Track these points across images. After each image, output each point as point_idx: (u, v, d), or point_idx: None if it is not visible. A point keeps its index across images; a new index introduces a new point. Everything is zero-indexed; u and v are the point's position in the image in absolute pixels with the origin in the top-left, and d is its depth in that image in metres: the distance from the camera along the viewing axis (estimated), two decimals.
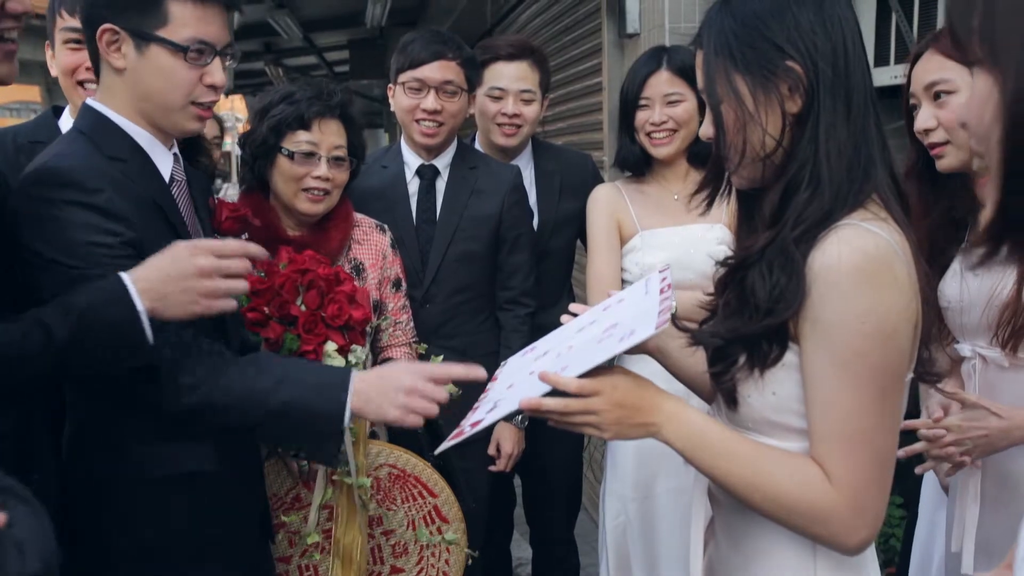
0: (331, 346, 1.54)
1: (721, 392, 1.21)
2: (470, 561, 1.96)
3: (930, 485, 1.96)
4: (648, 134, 2.19)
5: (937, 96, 1.66)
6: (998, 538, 1.65)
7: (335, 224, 2.04)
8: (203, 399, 1.40)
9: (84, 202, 1.40)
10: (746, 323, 1.15)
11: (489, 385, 1.38)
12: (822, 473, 1.10)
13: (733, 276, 1.21)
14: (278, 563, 1.86)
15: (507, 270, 2.41)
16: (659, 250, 2.19)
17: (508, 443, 2.39)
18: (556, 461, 2.64)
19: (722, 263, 1.25)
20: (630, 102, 2.20)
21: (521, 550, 3.30)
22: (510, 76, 2.50)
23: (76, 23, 1.62)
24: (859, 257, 1.07)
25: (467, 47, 2.40)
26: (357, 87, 11.79)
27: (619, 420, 1.14)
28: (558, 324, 2.54)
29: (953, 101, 1.63)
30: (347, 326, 1.56)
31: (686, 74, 2.18)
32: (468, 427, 1.20)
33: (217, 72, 1.54)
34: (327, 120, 1.97)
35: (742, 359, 1.17)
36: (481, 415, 1.21)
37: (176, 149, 1.64)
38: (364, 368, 1.63)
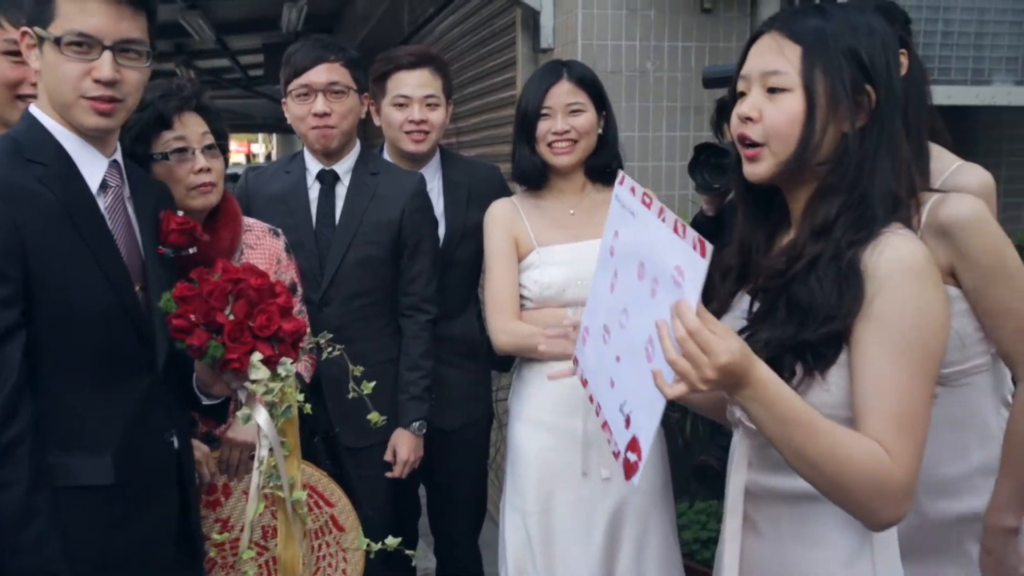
0: (256, 356, 1.51)
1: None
2: (371, 555, 1.92)
3: None
4: (549, 144, 2.21)
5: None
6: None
7: (224, 223, 2.01)
8: None
9: None
10: (803, 331, 1.20)
11: (589, 391, 1.36)
12: (883, 449, 1.15)
13: (775, 286, 1.25)
14: None
15: (408, 276, 2.40)
16: (556, 266, 2.21)
17: (404, 449, 2.38)
18: (460, 470, 2.64)
19: (769, 275, 1.27)
20: (531, 112, 2.21)
21: (428, 560, 3.28)
22: (413, 84, 2.51)
23: (16, 35, 1.61)
24: (916, 258, 1.18)
25: (351, 49, 2.42)
26: (272, 92, 11.59)
27: (727, 375, 1.10)
28: (463, 335, 2.59)
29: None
30: (277, 338, 1.53)
31: (586, 85, 2.22)
32: (626, 451, 1.17)
33: (104, 67, 1.52)
34: (186, 113, 1.94)
35: (798, 368, 1.21)
36: (635, 430, 1.16)
37: (118, 155, 1.63)
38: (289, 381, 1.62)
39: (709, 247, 1.04)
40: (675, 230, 1.11)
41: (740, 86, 1.30)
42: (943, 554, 1.71)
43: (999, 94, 3.26)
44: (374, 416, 1.79)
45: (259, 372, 1.51)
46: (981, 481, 1.70)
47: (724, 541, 1.33)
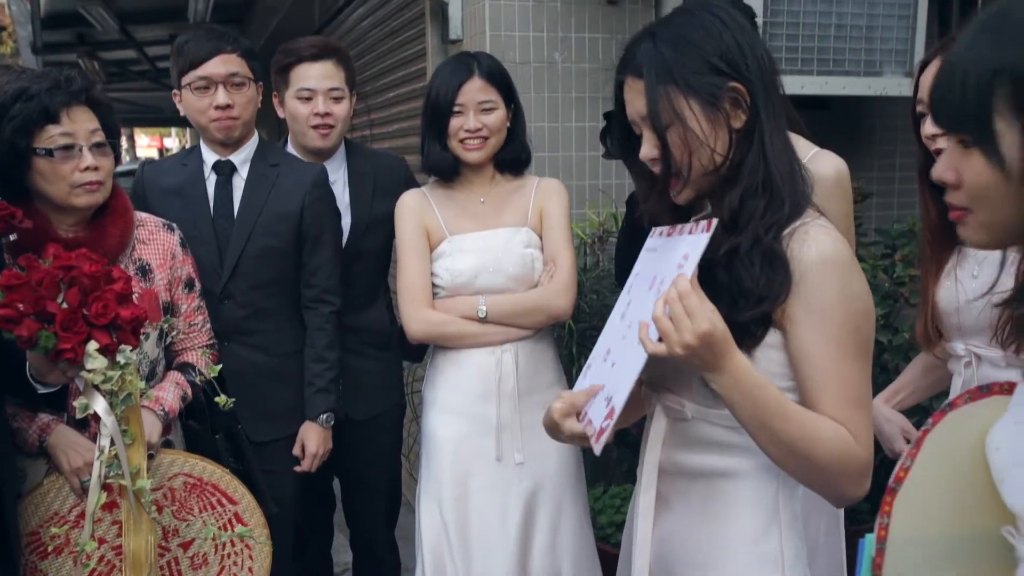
0: (92, 345, 1.45)
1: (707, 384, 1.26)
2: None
3: None
4: (461, 140, 2.21)
5: None
6: None
7: (112, 220, 1.93)
8: None
9: None
10: (734, 311, 1.24)
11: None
12: (848, 433, 1.22)
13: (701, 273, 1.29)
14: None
15: (310, 268, 2.38)
16: (468, 255, 2.22)
17: (313, 442, 2.36)
18: (374, 460, 2.63)
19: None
20: (444, 109, 2.20)
21: (345, 553, 3.26)
22: (316, 76, 2.49)
23: None
24: (840, 249, 1.24)
25: (243, 39, 2.39)
26: None
27: (705, 346, 1.15)
28: (373, 325, 2.58)
29: None
30: (114, 325, 1.47)
31: (495, 81, 2.23)
32: (602, 423, 1.22)
33: None
34: (75, 108, 1.84)
35: None
36: (609, 406, 1.22)
37: None
38: (140, 370, 1.56)
39: (714, 221, 1.12)
40: (690, 232, 1.20)
41: (635, 129, 1.34)
42: None
43: (890, 85, 3.39)
44: (221, 399, 1.79)
45: (96, 361, 1.47)
46: None
47: (637, 516, 1.35)
